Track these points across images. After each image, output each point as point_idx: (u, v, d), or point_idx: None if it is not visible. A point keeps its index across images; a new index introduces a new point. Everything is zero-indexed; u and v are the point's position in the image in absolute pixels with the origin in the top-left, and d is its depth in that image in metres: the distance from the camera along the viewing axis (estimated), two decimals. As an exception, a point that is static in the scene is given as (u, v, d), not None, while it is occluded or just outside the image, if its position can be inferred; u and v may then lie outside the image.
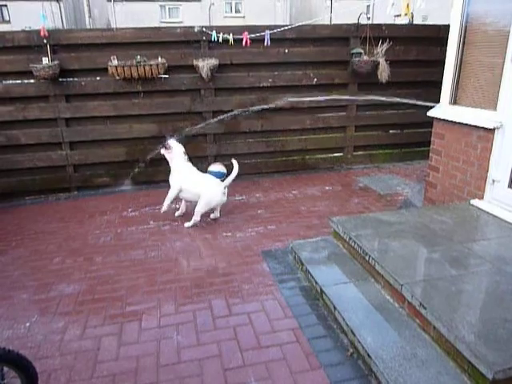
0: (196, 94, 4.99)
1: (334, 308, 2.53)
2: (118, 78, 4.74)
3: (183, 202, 4.06)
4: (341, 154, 5.72)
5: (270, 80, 5.12)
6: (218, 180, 3.81)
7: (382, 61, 5.03)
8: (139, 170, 5.22)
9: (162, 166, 5.19)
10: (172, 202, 3.98)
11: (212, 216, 3.97)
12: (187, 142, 5.08)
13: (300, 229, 3.85)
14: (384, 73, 5.08)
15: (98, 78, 4.79)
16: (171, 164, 3.91)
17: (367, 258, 2.81)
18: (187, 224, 3.84)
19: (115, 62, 4.64)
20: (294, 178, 5.28)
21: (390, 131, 5.74)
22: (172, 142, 3.89)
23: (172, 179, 3.87)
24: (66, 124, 4.92)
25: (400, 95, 5.47)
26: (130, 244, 3.73)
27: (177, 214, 4.06)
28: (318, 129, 5.50)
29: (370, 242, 2.93)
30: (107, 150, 5.09)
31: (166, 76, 4.85)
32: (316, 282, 2.83)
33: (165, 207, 3.93)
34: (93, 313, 2.75)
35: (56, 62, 4.58)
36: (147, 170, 5.30)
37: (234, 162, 3.74)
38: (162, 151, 3.87)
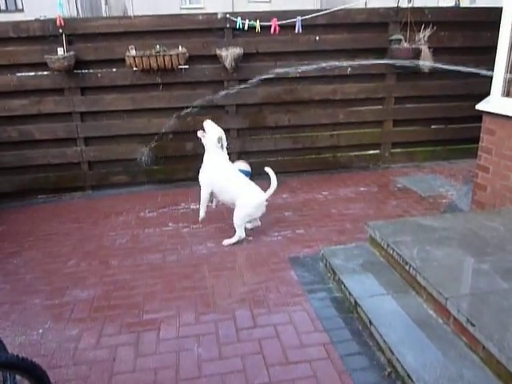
0: (219, 86, 5.01)
1: (370, 322, 2.49)
2: (135, 69, 4.80)
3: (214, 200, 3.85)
4: (377, 151, 5.70)
5: (299, 70, 5.10)
6: (258, 188, 3.61)
7: (424, 48, 4.90)
8: (158, 167, 5.31)
9: (181, 163, 5.24)
10: (210, 203, 3.78)
11: (249, 226, 3.85)
12: None
13: (331, 234, 3.85)
14: (427, 61, 5.00)
15: (114, 70, 4.86)
16: (205, 155, 3.68)
17: (407, 267, 2.76)
18: (228, 241, 3.65)
19: (133, 52, 4.69)
20: (325, 177, 5.27)
21: (433, 126, 5.68)
22: (207, 123, 3.61)
23: (201, 175, 3.63)
24: (80, 118, 5.01)
25: (444, 87, 5.40)
26: (147, 247, 3.78)
27: (201, 215, 3.78)
28: (351, 123, 5.48)
29: (410, 250, 2.88)
30: (124, 146, 5.17)
31: (187, 67, 4.89)
32: (350, 293, 2.81)
33: (201, 214, 3.71)
34: (108, 320, 2.79)
35: (72, 53, 4.65)
36: (165, 168, 5.39)
37: (270, 171, 3.53)
38: (199, 134, 3.60)
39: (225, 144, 3.58)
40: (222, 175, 3.56)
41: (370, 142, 5.62)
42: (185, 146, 5.24)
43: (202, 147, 4.91)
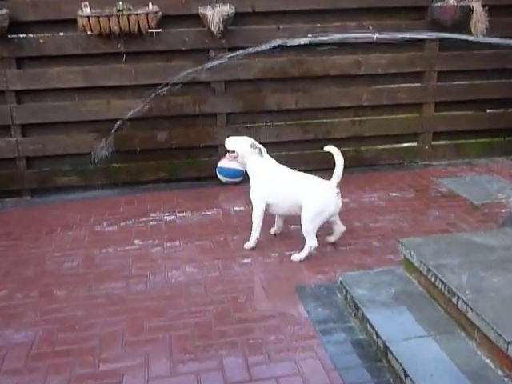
0: (202, 57, 5.08)
1: (405, 374, 2.48)
2: (90, 33, 4.81)
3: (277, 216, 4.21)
4: (414, 143, 5.80)
5: (308, 35, 5.17)
6: (321, 179, 3.88)
7: (476, 6, 5.02)
8: (120, 164, 5.39)
9: (151, 159, 5.33)
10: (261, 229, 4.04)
11: (332, 238, 4.04)
12: (187, 126, 5.31)
13: (353, 254, 3.86)
14: (480, 23, 5.07)
15: (62, 34, 4.90)
16: (249, 173, 4.04)
17: (455, 300, 2.76)
18: (297, 256, 3.83)
19: (87, 11, 4.71)
20: (344, 178, 4.93)
21: (488, 110, 5.79)
22: (230, 141, 4.01)
23: (252, 194, 3.98)
24: (16, 99, 5.03)
25: (505, 58, 5.46)
26: (105, 272, 3.77)
27: (273, 230, 4.22)
28: (379, 107, 5.57)
29: (458, 277, 2.88)
30: (74, 137, 5.22)
31: (159, 30, 4.95)
32: (377, 335, 2.79)
33: (252, 242, 4.02)
34: (53, 371, 2.75)
35: (4, 11, 4.62)
36: (130, 167, 5.44)
37: (332, 148, 3.83)
38: (229, 159, 4.07)
39: (263, 149, 3.93)
40: (276, 184, 3.88)
41: (405, 131, 5.71)
42: (156, 137, 5.33)
43: (181, 137, 5.10)
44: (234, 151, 3.93)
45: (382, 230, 4.27)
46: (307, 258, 3.81)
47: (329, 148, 3.83)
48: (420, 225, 4.35)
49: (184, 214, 4.84)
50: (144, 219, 4.74)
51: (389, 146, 5.71)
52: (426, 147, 5.83)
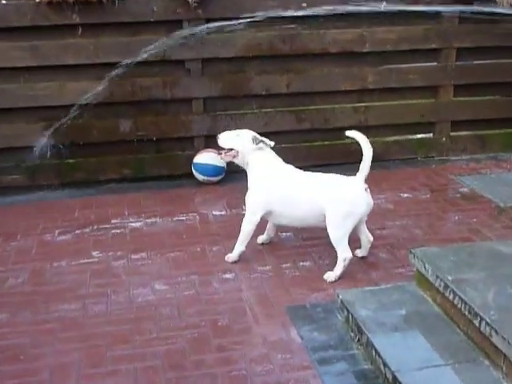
0: (174, 29, 5.09)
1: (418, 412, 2.42)
2: (39, 0, 4.81)
3: (270, 223, 4.21)
4: (429, 134, 5.83)
5: (303, 4, 5.18)
6: (344, 176, 3.91)
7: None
8: (75, 160, 5.39)
9: (113, 153, 5.35)
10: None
11: (361, 252, 4.06)
12: (156, 113, 5.35)
13: (356, 268, 3.85)
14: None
15: (4, 2, 4.89)
16: (250, 173, 4.05)
17: (477, 321, 2.75)
18: (331, 275, 3.82)
19: (35, -27, 4.60)
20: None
21: None
22: (225, 138, 4.05)
23: (250, 198, 3.99)
24: None
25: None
26: (57, 291, 3.74)
27: (261, 239, 4.24)
28: (388, 90, 5.59)
29: (481, 294, 2.86)
30: (19, 127, 5.19)
31: (123, -3, 4.87)
32: (385, 364, 2.77)
33: (235, 254, 4.06)
34: (-7, 412, 2.68)
35: None
36: (87, 163, 5.42)
37: (356, 134, 3.85)
38: (224, 157, 4.11)
39: (268, 142, 3.96)
40: (286, 183, 3.91)
41: (418, 120, 5.72)
42: (118, 127, 5.35)
43: (150, 127, 5.19)
44: (232, 149, 3.98)
45: (391, 239, 4.28)
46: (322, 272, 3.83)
47: (352, 134, 3.85)
48: (436, 232, 4.36)
49: (153, 219, 4.82)
50: (104, 226, 4.72)
51: (399, 137, 5.73)
52: (444, 139, 5.84)
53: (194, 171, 5.40)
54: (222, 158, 4.14)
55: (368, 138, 5.24)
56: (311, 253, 4.14)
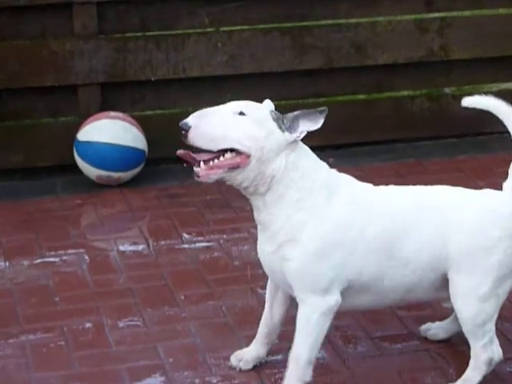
0: None
1: None
2: None
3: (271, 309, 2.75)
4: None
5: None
6: (477, 191, 2.69)
7: None
8: None
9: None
10: None
11: (439, 335, 2.99)
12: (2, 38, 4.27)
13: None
14: None
15: None
16: (275, 200, 2.48)
17: None
18: None
19: None
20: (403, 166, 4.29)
21: None
22: (205, 117, 2.40)
23: (303, 262, 2.43)
24: None
25: None
26: None
27: (250, 358, 2.79)
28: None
29: None
30: None
31: None
32: None
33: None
34: None
35: None
36: None
37: (486, 100, 2.67)
38: (204, 174, 2.42)
39: (307, 114, 2.37)
40: (384, 214, 2.53)
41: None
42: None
43: (5, 73, 4.08)
44: (232, 149, 2.31)
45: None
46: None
47: (477, 101, 2.57)
48: None
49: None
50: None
51: (495, 84, 4.37)
52: None
53: (78, 159, 3.84)
54: (199, 177, 2.36)
55: (445, 87, 4.56)
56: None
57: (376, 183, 2.65)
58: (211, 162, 2.26)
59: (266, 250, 2.41)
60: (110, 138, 3.69)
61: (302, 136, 2.28)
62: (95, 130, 3.75)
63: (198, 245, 3.48)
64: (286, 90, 4.27)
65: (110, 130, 3.73)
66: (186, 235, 3.49)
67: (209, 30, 4.07)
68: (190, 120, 2.22)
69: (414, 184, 2.59)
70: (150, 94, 4.10)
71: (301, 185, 2.32)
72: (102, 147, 3.75)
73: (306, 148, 2.40)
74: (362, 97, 4.48)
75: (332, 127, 3.88)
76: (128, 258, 3.40)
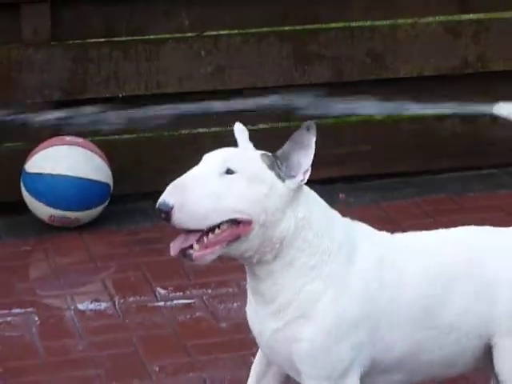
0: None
1: None
2: None
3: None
4: None
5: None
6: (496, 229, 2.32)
7: None
8: None
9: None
10: None
11: None
12: None
13: None
14: None
15: None
16: (279, 266, 1.95)
17: None
18: None
19: None
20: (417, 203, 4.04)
21: None
22: (198, 181, 1.78)
23: (314, 343, 1.90)
24: None
25: None
26: None
27: None
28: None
29: None
30: None
31: None
32: None
33: None
34: None
35: None
36: None
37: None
38: (201, 255, 1.78)
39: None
40: (412, 273, 2.11)
41: None
42: None
43: None
44: (239, 220, 1.87)
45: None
46: None
47: (502, 109, 2.26)
48: None
49: None
50: None
51: None
52: None
53: (26, 195, 3.37)
54: (192, 261, 1.64)
55: (490, 101, 3.80)
56: None
57: (398, 225, 2.68)
58: (205, 239, 1.99)
59: (267, 327, 1.91)
60: (66, 169, 3.26)
61: (307, 177, 1.77)
62: (47, 160, 3.29)
63: (175, 302, 3.04)
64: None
65: (65, 159, 3.28)
66: (160, 290, 3.04)
67: (189, 34, 3.65)
68: (170, 198, 1.93)
69: (445, 226, 1.95)
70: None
71: (315, 247, 1.85)
72: (55, 181, 3.31)
73: (313, 193, 1.91)
74: (379, 117, 4.08)
75: (342, 155, 3.70)
76: (88, 320, 2.95)
